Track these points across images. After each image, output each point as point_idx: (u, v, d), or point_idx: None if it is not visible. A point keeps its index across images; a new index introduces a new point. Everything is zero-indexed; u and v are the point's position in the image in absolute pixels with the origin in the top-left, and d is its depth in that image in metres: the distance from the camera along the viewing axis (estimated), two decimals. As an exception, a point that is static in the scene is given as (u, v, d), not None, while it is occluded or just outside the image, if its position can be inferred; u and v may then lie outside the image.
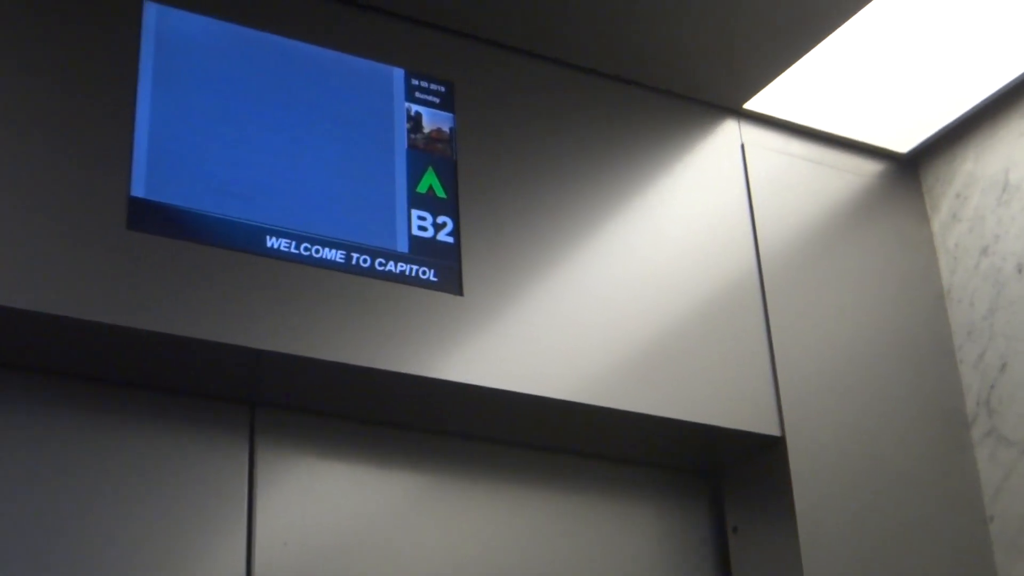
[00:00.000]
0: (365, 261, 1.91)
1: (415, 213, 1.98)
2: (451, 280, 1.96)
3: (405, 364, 1.87)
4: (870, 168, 2.50)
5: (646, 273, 2.16)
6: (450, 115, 2.08)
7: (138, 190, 1.76)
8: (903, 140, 2.49)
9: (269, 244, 1.84)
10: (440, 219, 1.99)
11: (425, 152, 2.04)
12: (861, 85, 2.32)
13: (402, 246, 1.94)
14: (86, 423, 1.83)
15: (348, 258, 1.90)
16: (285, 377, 1.89)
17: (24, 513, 1.74)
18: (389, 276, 1.92)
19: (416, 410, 2.03)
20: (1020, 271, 2.30)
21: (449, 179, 2.04)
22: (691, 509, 2.28)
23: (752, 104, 2.35)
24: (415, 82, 2.07)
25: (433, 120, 2.06)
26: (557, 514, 2.14)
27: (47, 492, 1.77)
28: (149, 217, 1.77)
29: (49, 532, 1.74)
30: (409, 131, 2.04)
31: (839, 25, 2.15)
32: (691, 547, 2.24)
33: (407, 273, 1.94)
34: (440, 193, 2.01)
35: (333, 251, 1.88)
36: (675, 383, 2.09)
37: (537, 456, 2.16)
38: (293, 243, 1.87)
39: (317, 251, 1.88)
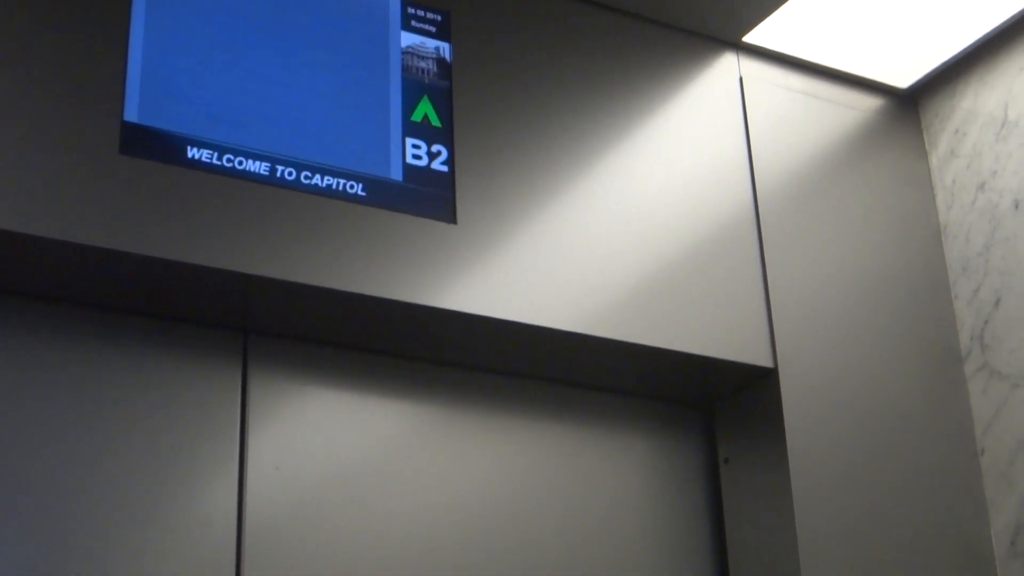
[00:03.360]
0: (360, 188, 1.90)
1: (409, 141, 1.97)
2: (445, 209, 1.96)
3: (396, 291, 1.87)
4: (869, 103, 2.49)
5: (642, 205, 2.16)
6: (447, 44, 2.07)
7: (131, 115, 1.76)
8: (903, 75, 2.48)
9: (255, 169, 1.84)
10: (435, 148, 1.99)
11: (420, 80, 2.03)
12: (861, 20, 2.32)
13: (396, 174, 1.94)
14: (80, 348, 1.84)
15: (342, 186, 1.90)
16: (277, 303, 1.89)
17: (19, 437, 1.74)
18: (383, 204, 1.91)
19: (408, 338, 2.03)
20: (1017, 207, 2.30)
21: (444, 108, 2.03)
22: (684, 440, 2.28)
23: (751, 37, 2.35)
24: (411, 10, 2.06)
25: (429, 48, 2.06)
26: (551, 444, 2.15)
27: (41, 416, 1.77)
28: (142, 142, 1.77)
29: (44, 455, 1.75)
30: (404, 59, 2.03)
31: None
32: (683, 477, 2.25)
33: (401, 201, 1.93)
34: (435, 122, 2.01)
35: (328, 178, 1.89)
36: (669, 315, 2.09)
37: (530, 386, 2.16)
38: (287, 170, 1.86)
39: (308, 176, 1.88)
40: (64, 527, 1.74)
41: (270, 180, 1.84)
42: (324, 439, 1.98)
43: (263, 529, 1.88)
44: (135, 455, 1.82)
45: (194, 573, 1.80)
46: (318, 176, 1.89)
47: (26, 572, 1.71)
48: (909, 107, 2.54)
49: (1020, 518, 2.19)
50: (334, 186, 1.89)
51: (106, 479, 1.79)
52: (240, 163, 1.83)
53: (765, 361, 2.14)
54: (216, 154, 1.82)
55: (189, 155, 1.79)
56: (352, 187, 1.90)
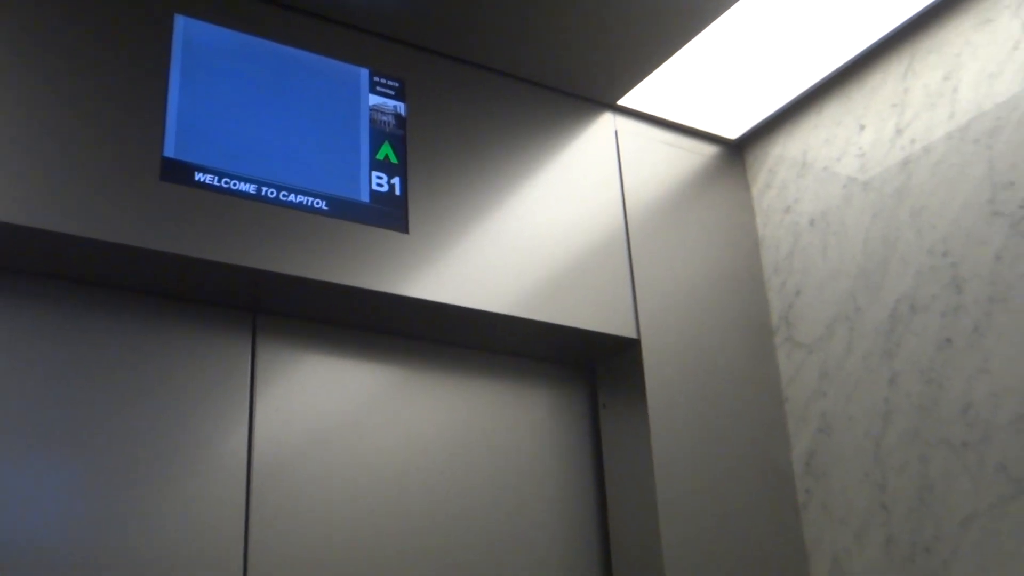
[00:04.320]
0: (339, 207, 1.91)
1: (374, 174, 1.97)
2: (400, 222, 1.96)
3: (367, 281, 1.88)
4: (709, 150, 2.49)
5: (543, 223, 2.15)
6: (403, 103, 2.06)
7: (169, 151, 1.76)
8: (733, 130, 2.48)
9: (266, 193, 1.84)
10: (393, 179, 1.99)
11: (383, 130, 2.02)
12: (703, 88, 2.31)
13: (364, 197, 1.94)
14: (124, 324, 1.81)
15: (329, 204, 1.90)
16: (280, 291, 1.88)
17: (62, 404, 1.71)
18: (355, 218, 1.92)
19: (372, 316, 2.01)
20: (811, 224, 2.32)
21: (400, 150, 2.02)
22: (574, 391, 2.28)
23: (624, 100, 2.34)
24: (376, 79, 2.05)
25: (389, 107, 2.04)
26: (478, 393, 2.15)
27: (84, 384, 1.74)
28: (177, 172, 1.76)
29: (83, 420, 1.72)
30: (371, 114, 2.02)
31: (688, 40, 2.14)
32: (573, 419, 2.24)
33: (368, 216, 1.94)
34: (393, 160, 2.01)
35: (317, 200, 1.88)
36: (562, 300, 2.09)
37: (462, 352, 2.17)
38: (284, 193, 1.86)
39: (304, 200, 1.87)
40: (110, 464, 1.72)
41: (274, 201, 1.84)
42: (315, 394, 1.97)
43: (269, 465, 1.86)
44: (160, 416, 1.79)
45: (211, 502, 1.78)
46: (310, 199, 1.88)
47: (80, 500, 1.67)
48: (737, 153, 2.53)
49: (811, 447, 2.22)
50: (317, 204, 1.89)
51: (136, 437, 1.76)
52: (234, 184, 1.82)
53: (631, 334, 2.15)
54: (234, 181, 1.82)
55: (208, 182, 1.79)
56: (330, 205, 1.90)
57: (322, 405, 1.97)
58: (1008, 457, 1.80)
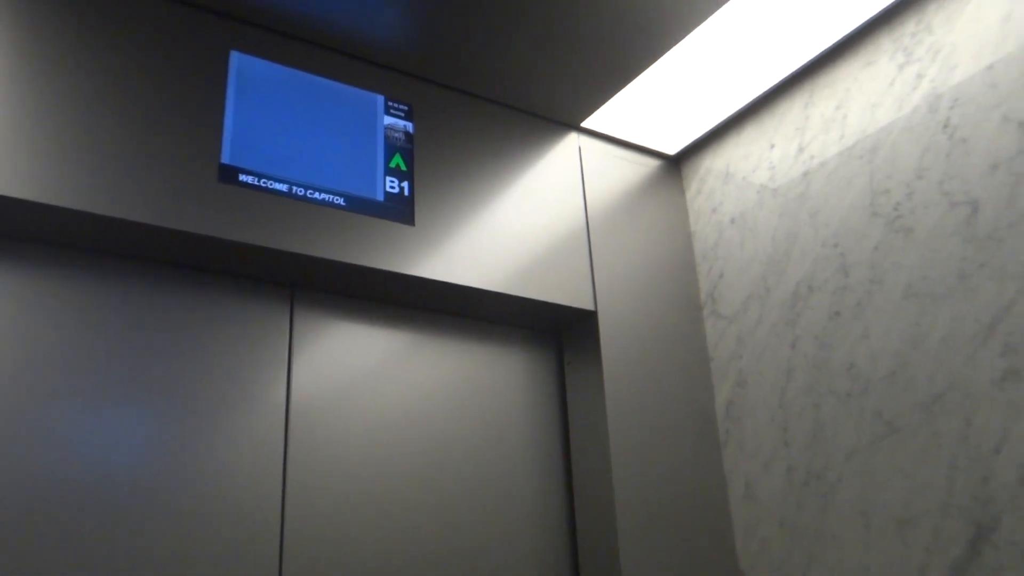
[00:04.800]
0: (360, 204, 1.89)
1: (388, 179, 1.95)
2: (408, 217, 1.94)
3: (381, 263, 1.87)
4: (653, 163, 2.45)
5: (519, 220, 2.12)
6: (411, 123, 2.03)
7: (225, 159, 1.74)
8: (672, 146, 2.45)
9: (295, 192, 1.80)
10: (403, 183, 1.96)
11: (395, 144, 1.99)
12: (649, 112, 2.25)
13: (380, 196, 1.92)
14: (183, 300, 1.77)
15: (349, 202, 1.87)
16: (313, 271, 1.86)
17: (139, 363, 1.67)
18: (371, 213, 1.90)
19: (389, 292, 1.99)
20: (732, 222, 2.30)
21: (409, 160, 2.00)
22: (545, 351, 2.25)
23: (587, 123, 2.31)
24: (390, 103, 2.02)
25: (400, 126, 2.02)
26: (468, 354, 2.12)
27: (155, 347, 1.70)
28: (230, 175, 1.74)
29: (154, 375, 1.68)
30: (386, 131, 1.99)
31: (638, 75, 2.08)
32: (544, 373, 2.22)
33: (382, 212, 1.91)
34: (403, 168, 1.99)
35: (340, 198, 1.85)
36: (536, 280, 2.07)
37: (456, 320, 2.14)
38: (318, 193, 1.83)
39: (329, 198, 1.84)
40: (176, 409, 1.69)
41: (308, 199, 1.79)
42: (341, 353, 1.93)
43: (303, 407, 1.83)
44: (223, 365, 1.76)
45: (257, 438, 1.74)
46: (336, 197, 1.85)
47: (150, 437, 1.64)
48: (675, 166, 2.49)
49: (730, 397, 2.21)
50: (339, 202, 1.85)
51: (201, 381, 1.73)
52: (270, 184, 1.77)
53: (590, 307, 2.14)
54: (277, 182, 1.79)
55: (256, 183, 1.75)
56: (351, 203, 1.86)
57: (348, 361, 1.92)
58: (882, 405, 1.81)
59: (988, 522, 1.58)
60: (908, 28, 1.91)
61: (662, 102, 2.25)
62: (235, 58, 1.86)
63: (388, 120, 2.02)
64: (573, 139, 2.35)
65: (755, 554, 2.06)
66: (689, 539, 2.05)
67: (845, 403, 1.90)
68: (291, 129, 1.86)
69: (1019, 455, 1.55)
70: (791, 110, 2.19)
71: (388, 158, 1.98)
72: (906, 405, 1.77)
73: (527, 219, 2.15)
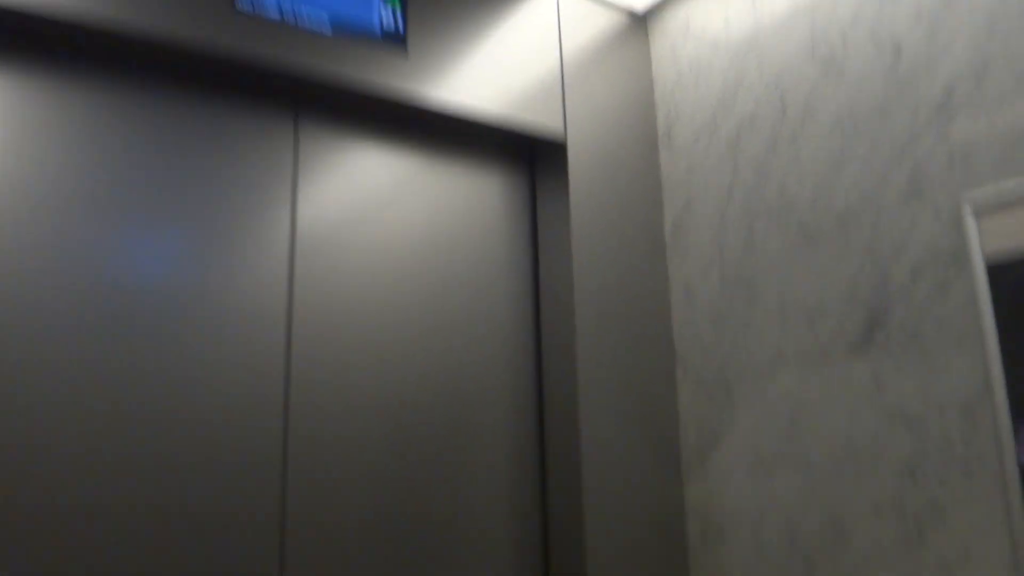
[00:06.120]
0: (356, 34, 1.91)
1: (384, 11, 1.99)
2: (401, 47, 1.99)
3: (379, 91, 1.91)
4: (623, 18, 2.44)
5: (505, 60, 2.11)
6: None
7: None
8: (641, 5, 2.46)
9: (292, 21, 1.81)
10: (398, 20, 2.00)
11: None
12: None
13: (378, 32, 1.97)
14: (186, 125, 1.75)
15: (345, 32, 1.89)
16: (316, 94, 1.89)
17: (160, 182, 1.67)
18: (370, 46, 1.94)
19: (387, 116, 2.03)
20: (689, 68, 2.32)
21: (404, 3, 2.03)
22: (521, 175, 2.31)
23: None
24: None
25: None
26: (456, 178, 2.16)
27: (173, 163, 1.71)
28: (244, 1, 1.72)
29: (171, 191, 1.69)
30: None
31: None
32: (521, 194, 2.28)
33: (381, 42, 1.96)
34: (398, 7, 2.02)
35: (340, 28, 1.88)
36: (516, 113, 2.11)
37: (447, 147, 2.16)
38: (314, 19, 1.85)
39: (332, 28, 1.87)
40: (191, 223, 1.69)
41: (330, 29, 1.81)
42: (345, 179, 1.95)
43: (310, 238, 1.85)
44: (220, 199, 1.76)
45: (263, 254, 1.76)
46: (333, 27, 1.87)
47: (167, 249, 1.64)
48: (642, 22, 2.49)
49: (678, 218, 2.28)
50: (339, 31, 1.87)
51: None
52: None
53: (561, 139, 2.20)
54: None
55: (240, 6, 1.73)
56: (346, 33, 1.88)
57: (356, 181, 1.95)
58: (803, 219, 1.95)
59: (881, 313, 1.75)
60: None
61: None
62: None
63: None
64: (554, -6, 2.30)
65: (689, 340, 2.25)
66: (636, 331, 2.19)
67: (775, 219, 2.02)
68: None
69: (914, 259, 1.71)
70: (746, -32, 2.19)
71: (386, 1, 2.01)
72: (824, 218, 1.91)
73: (510, 60, 2.17)
